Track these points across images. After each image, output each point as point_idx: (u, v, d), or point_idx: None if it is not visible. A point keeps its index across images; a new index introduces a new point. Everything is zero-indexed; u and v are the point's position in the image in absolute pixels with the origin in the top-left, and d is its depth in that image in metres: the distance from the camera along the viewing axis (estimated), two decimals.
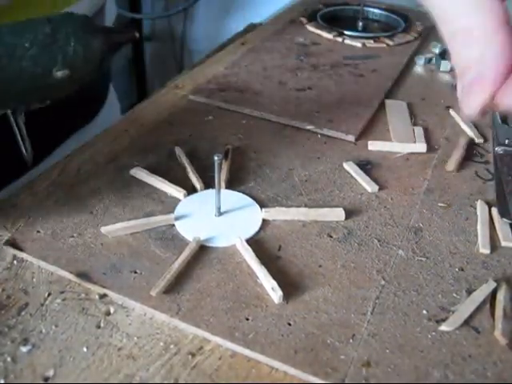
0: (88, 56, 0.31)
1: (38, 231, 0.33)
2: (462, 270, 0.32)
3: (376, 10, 0.69)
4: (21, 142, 0.33)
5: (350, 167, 0.40)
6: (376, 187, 0.38)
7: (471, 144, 0.44)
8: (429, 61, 0.57)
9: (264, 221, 0.35)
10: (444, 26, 0.37)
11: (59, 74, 0.30)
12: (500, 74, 0.34)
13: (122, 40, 0.33)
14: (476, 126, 0.46)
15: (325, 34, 0.63)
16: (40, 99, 0.32)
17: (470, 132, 0.45)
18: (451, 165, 0.41)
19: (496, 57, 0.34)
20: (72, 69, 0.31)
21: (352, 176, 0.40)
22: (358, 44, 0.60)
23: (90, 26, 0.31)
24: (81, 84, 0.32)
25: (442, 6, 0.37)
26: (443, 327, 0.28)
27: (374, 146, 0.43)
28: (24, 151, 0.34)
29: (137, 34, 0.33)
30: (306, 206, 0.36)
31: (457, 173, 0.41)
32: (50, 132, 0.42)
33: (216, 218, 0.35)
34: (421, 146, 0.43)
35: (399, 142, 0.43)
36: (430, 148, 0.43)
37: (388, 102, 0.49)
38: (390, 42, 0.61)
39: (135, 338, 0.28)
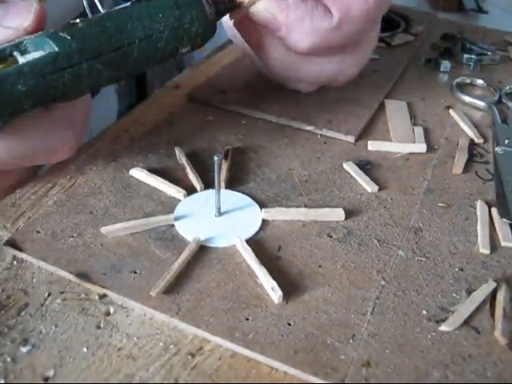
0: (206, 34, 0.37)
1: (38, 231, 0.33)
2: (462, 270, 0.32)
3: None
4: None
5: (350, 167, 0.40)
6: (376, 187, 0.38)
7: (471, 144, 0.44)
8: (429, 61, 0.57)
9: (264, 221, 0.35)
10: None
11: (184, 50, 0.36)
12: None
13: (227, 10, 0.39)
14: (476, 126, 0.46)
15: None
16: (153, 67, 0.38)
17: (470, 132, 0.45)
18: (458, 168, 0.41)
19: None
20: (193, 46, 0.36)
21: (352, 176, 0.40)
22: None
23: (208, 7, 0.36)
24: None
25: None
26: (443, 327, 0.28)
27: (373, 146, 0.43)
28: None
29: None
30: (305, 206, 0.36)
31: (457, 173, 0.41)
32: None
33: (216, 218, 0.35)
34: (421, 146, 0.43)
35: (399, 142, 0.43)
36: (430, 148, 0.43)
37: (388, 102, 0.49)
38: (390, 42, 0.61)
39: (135, 339, 0.28)
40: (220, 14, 0.38)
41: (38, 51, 0.30)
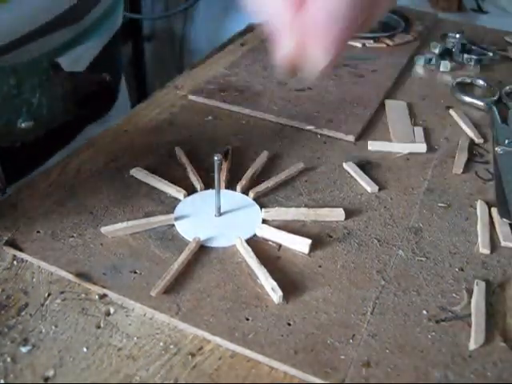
0: (53, 106, 0.31)
1: (38, 231, 0.33)
2: (462, 270, 0.32)
3: None
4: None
5: (350, 167, 0.40)
6: (376, 187, 0.38)
7: (471, 144, 0.44)
8: (429, 61, 0.57)
9: (264, 221, 0.35)
10: None
11: (24, 125, 0.30)
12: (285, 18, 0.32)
13: (90, 86, 0.33)
14: (476, 125, 0.46)
15: None
16: (4, 143, 0.32)
17: (470, 132, 0.45)
18: (459, 168, 0.41)
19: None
20: (36, 119, 0.31)
21: (352, 176, 0.40)
22: (358, 44, 0.60)
23: (56, 74, 0.30)
24: (46, 129, 0.31)
25: None
26: (472, 346, 0.28)
27: (373, 146, 0.43)
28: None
29: (107, 77, 0.33)
30: (305, 206, 0.36)
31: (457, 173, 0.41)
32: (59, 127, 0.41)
33: (216, 218, 0.35)
34: (421, 146, 0.43)
35: (399, 142, 0.43)
36: (430, 148, 0.43)
37: (388, 102, 0.49)
38: (390, 42, 0.61)
39: (135, 339, 0.28)
40: (84, 91, 0.33)
41: None
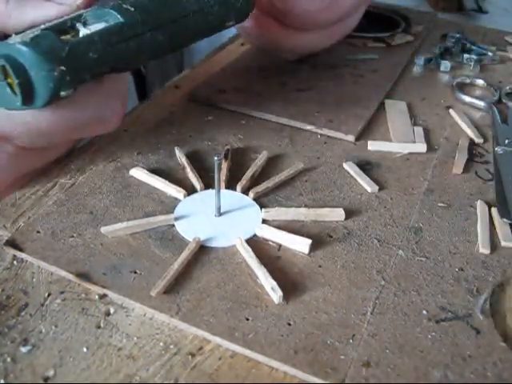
0: (248, 7, 0.40)
1: (38, 231, 0.33)
2: (462, 270, 0.32)
3: (376, 10, 0.69)
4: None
5: (350, 167, 0.40)
6: (376, 187, 0.38)
7: (471, 144, 0.44)
8: (429, 61, 0.57)
9: (264, 221, 0.35)
10: None
11: (229, 23, 0.39)
12: None
13: None
14: (476, 126, 0.46)
15: None
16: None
17: (470, 132, 0.45)
18: (459, 168, 0.41)
19: None
20: (237, 19, 0.40)
21: (352, 176, 0.40)
22: (358, 44, 0.60)
23: None
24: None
25: None
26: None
27: (373, 146, 0.43)
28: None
29: None
30: (305, 206, 0.36)
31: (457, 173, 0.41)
32: None
33: (216, 218, 0.35)
34: (421, 146, 0.43)
35: (399, 142, 0.43)
36: (430, 148, 0.43)
37: (388, 102, 0.49)
38: (390, 42, 0.61)
39: (135, 339, 0.28)
40: None
41: (99, 23, 0.32)
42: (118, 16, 0.32)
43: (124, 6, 0.33)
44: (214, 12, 0.37)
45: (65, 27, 0.32)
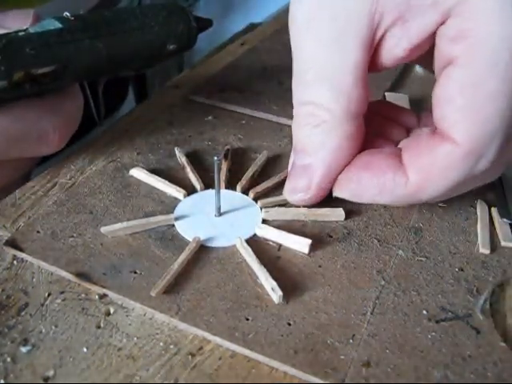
0: (189, 34, 0.42)
1: (38, 231, 0.33)
2: (462, 270, 0.32)
3: None
4: (93, 106, 0.42)
5: None
6: None
7: None
8: None
9: (264, 221, 0.35)
10: (294, 86, 0.33)
11: (170, 47, 0.41)
12: (333, 173, 0.33)
13: (205, 26, 0.44)
14: None
15: None
16: (147, 66, 0.43)
17: None
18: None
19: (334, 155, 0.32)
20: (178, 43, 0.41)
21: None
22: None
23: (190, 14, 0.42)
24: (175, 55, 0.43)
25: (301, 61, 0.32)
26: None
27: None
28: (96, 114, 0.43)
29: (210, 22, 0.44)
30: (305, 206, 0.36)
31: None
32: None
33: (216, 218, 0.35)
34: None
35: None
36: None
37: (388, 94, 0.49)
38: None
39: (135, 339, 0.28)
40: (199, 29, 0.43)
41: (40, 28, 0.34)
42: (58, 23, 0.35)
43: (65, 16, 0.36)
44: (154, 32, 0.39)
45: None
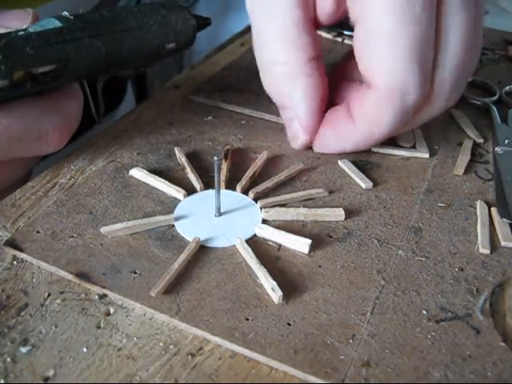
0: (188, 32, 0.42)
1: (38, 231, 0.33)
2: (462, 270, 0.32)
3: None
4: (92, 105, 0.42)
5: (345, 165, 0.40)
6: (370, 183, 0.38)
7: (474, 145, 0.44)
8: None
9: (264, 221, 0.35)
10: (256, 53, 0.38)
11: (169, 46, 0.41)
12: (309, 119, 0.38)
13: (204, 24, 0.44)
14: (476, 126, 0.46)
15: (324, 34, 0.63)
16: (146, 65, 0.43)
17: (471, 132, 0.45)
18: (460, 169, 0.41)
19: (303, 98, 0.37)
20: (177, 42, 0.41)
21: (350, 175, 0.39)
22: None
23: (188, 12, 0.42)
24: (174, 54, 0.43)
25: (255, 29, 0.37)
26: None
27: (376, 147, 0.42)
28: (95, 113, 0.42)
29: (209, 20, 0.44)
30: (305, 206, 0.36)
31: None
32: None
33: (216, 218, 0.35)
34: (424, 153, 0.42)
35: (400, 141, 0.43)
36: (430, 148, 0.43)
37: None
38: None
39: (135, 339, 0.28)
40: (198, 27, 0.43)
41: (39, 27, 0.34)
42: (57, 22, 0.35)
43: (64, 15, 0.36)
44: (153, 31, 0.39)
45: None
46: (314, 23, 0.37)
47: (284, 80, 0.37)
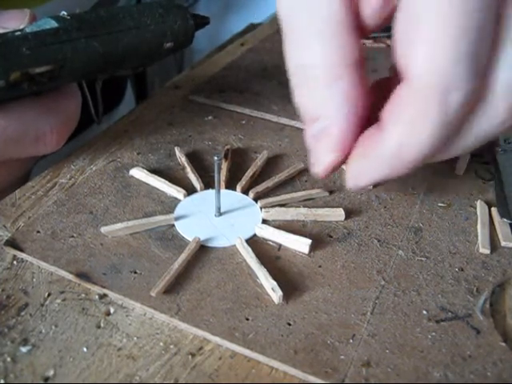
0: (186, 32, 0.41)
1: (38, 231, 0.33)
2: (462, 270, 0.32)
3: None
4: (91, 105, 0.42)
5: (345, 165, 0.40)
6: None
7: None
8: None
9: (264, 221, 0.35)
10: (287, 55, 0.31)
11: (167, 45, 0.40)
12: (346, 130, 0.29)
13: (203, 23, 0.44)
14: None
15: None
16: (144, 64, 0.42)
17: None
18: (461, 169, 0.41)
19: (342, 103, 0.29)
20: (175, 41, 0.41)
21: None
22: None
23: (186, 11, 0.42)
24: (173, 53, 0.43)
25: (288, 27, 0.30)
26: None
27: None
28: (94, 113, 0.42)
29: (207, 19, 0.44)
30: (305, 206, 0.36)
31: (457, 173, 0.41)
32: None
33: (216, 218, 0.35)
34: None
35: None
36: None
37: None
38: (390, 42, 0.61)
39: (135, 338, 0.28)
40: (197, 26, 0.42)
41: (36, 28, 0.34)
42: (54, 22, 0.35)
43: (61, 15, 0.35)
44: (150, 30, 0.39)
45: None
46: (357, 26, 0.30)
47: (320, 84, 0.30)
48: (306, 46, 0.29)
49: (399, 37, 0.27)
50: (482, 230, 0.35)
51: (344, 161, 0.30)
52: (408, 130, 0.27)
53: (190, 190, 0.37)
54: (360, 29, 0.30)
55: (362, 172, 0.30)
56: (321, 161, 0.31)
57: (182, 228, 0.34)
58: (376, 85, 0.32)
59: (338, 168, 0.30)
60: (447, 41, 0.25)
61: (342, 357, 0.27)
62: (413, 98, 0.26)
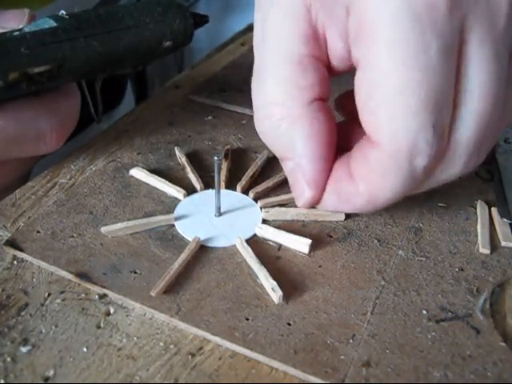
0: (185, 30, 0.41)
1: (38, 231, 0.33)
2: (462, 270, 0.32)
3: None
4: (91, 104, 0.42)
5: None
6: None
7: None
8: None
9: (264, 221, 0.35)
10: (253, 93, 0.31)
11: (166, 44, 0.40)
12: (315, 164, 0.31)
13: (202, 22, 0.44)
14: None
15: None
16: (143, 63, 0.42)
17: None
18: None
19: (305, 145, 0.30)
20: (174, 40, 0.41)
21: None
22: None
23: (185, 10, 0.42)
24: (172, 52, 0.43)
25: (255, 66, 0.31)
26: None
27: None
28: (94, 112, 0.42)
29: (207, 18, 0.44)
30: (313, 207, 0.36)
31: None
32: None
33: (216, 218, 0.35)
34: None
35: None
36: None
37: None
38: None
39: (135, 338, 0.28)
40: (196, 25, 0.42)
41: (35, 27, 0.34)
42: (53, 21, 0.35)
43: (60, 15, 0.36)
44: (149, 29, 0.39)
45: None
46: (326, 65, 0.31)
47: (282, 124, 0.30)
48: (268, 84, 0.30)
49: (361, 104, 0.28)
50: (481, 230, 0.35)
51: (322, 194, 0.32)
52: (379, 189, 0.29)
53: (190, 190, 0.37)
54: (329, 68, 0.31)
55: (331, 204, 0.32)
56: (300, 197, 0.32)
57: (181, 228, 0.34)
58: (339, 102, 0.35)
59: (318, 201, 0.32)
60: (408, 113, 0.26)
61: (342, 357, 0.27)
62: (380, 161, 0.28)
